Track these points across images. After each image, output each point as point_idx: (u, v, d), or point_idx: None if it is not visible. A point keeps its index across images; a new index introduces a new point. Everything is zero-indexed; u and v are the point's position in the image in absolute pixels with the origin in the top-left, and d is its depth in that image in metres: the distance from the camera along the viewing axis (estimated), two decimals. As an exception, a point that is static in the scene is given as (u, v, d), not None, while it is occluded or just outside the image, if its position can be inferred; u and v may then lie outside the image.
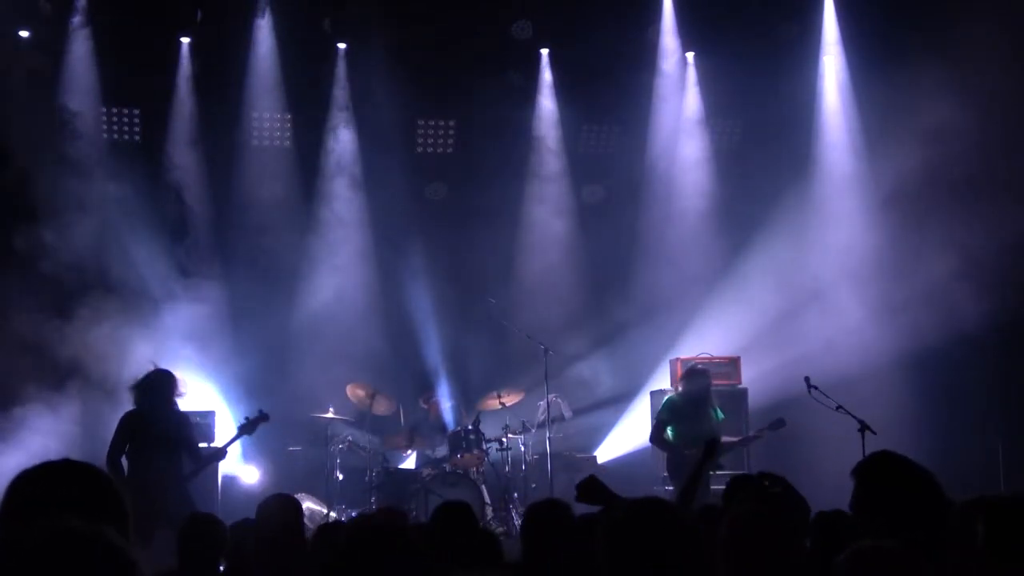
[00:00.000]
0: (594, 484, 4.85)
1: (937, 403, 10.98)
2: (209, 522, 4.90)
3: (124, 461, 7.54)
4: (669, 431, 9.15)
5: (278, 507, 5.05)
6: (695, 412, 9.09)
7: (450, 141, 12.59)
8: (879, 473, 3.09)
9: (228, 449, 8.04)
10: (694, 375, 9.31)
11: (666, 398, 9.54)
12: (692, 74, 12.49)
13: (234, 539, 5.27)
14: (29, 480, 2.09)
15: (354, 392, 10.57)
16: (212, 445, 9.77)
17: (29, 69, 10.98)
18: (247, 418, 8.01)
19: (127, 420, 7.71)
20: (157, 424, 7.59)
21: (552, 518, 4.19)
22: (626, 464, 11.56)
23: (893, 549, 2.63)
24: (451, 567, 4.00)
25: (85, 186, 10.78)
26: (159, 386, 7.80)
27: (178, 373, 8.17)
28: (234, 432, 8.10)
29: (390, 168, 12.12)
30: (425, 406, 11.13)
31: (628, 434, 11.85)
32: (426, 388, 11.38)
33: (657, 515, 2.53)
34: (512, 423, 10.69)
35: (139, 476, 7.36)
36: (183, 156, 11.60)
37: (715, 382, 10.68)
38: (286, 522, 4.94)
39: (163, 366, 8.17)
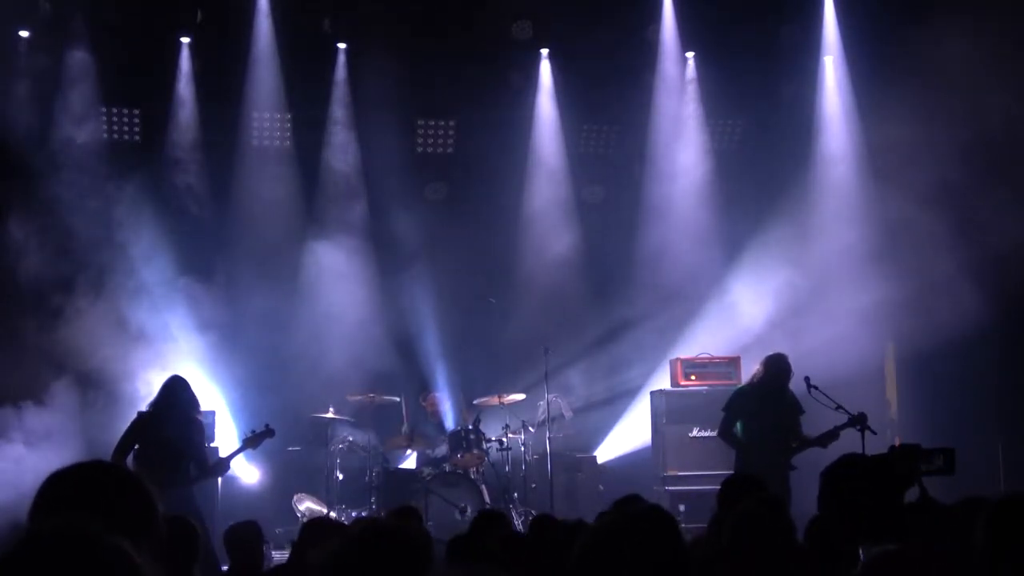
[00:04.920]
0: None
1: (937, 403, 10.98)
2: (184, 526, 4.83)
3: (131, 463, 7.55)
4: (739, 426, 8.47)
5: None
6: (769, 405, 8.39)
7: (450, 141, 12.59)
8: (843, 477, 3.10)
9: (230, 462, 8.04)
10: (772, 363, 8.50)
11: (737, 388, 8.90)
12: (692, 74, 12.49)
13: (235, 540, 5.29)
14: (60, 481, 2.11)
15: (353, 396, 10.58)
16: (212, 445, 9.79)
17: (29, 69, 11.01)
18: (253, 431, 8.01)
19: (137, 422, 7.74)
20: (165, 429, 7.60)
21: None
22: (626, 464, 11.57)
23: (912, 554, 2.63)
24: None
25: (85, 186, 10.78)
26: (174, 391, 7.82)
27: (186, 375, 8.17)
28: (238, 444, 8.10)
29: (390, 168, 12.12)
30: (424, 404, 11.14)
31: (628, 434, 11.86)
32: (425, 387, 11.39)
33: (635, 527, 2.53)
34: (512, 423, 10.70)
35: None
36: (183, 156, 11.60)
37: (715, 382, 10.73)
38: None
39: (164, 371, 8.18)
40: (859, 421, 8.03)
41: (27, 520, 2.03)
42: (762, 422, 8.41)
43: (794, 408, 8.56)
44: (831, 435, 8.22)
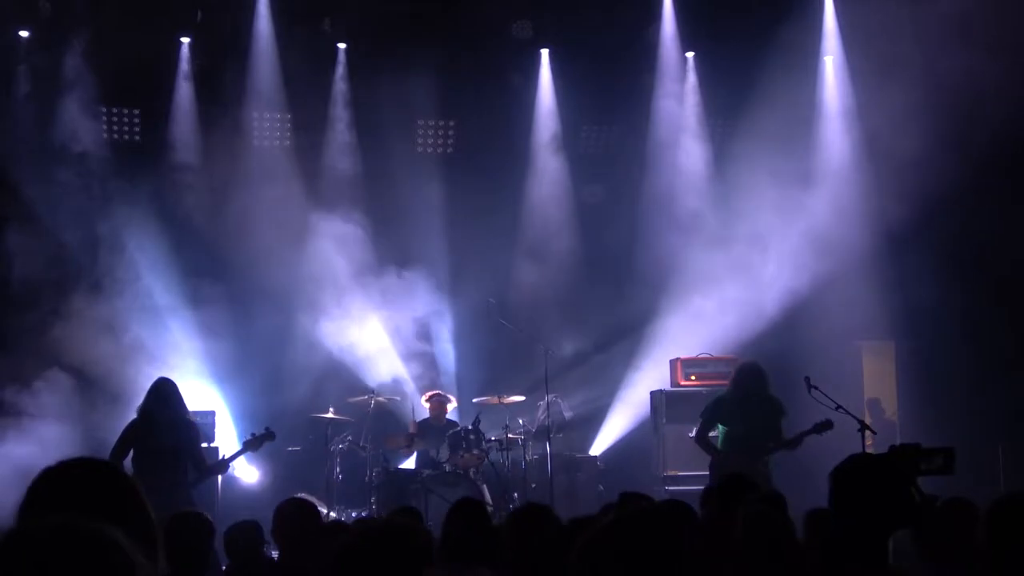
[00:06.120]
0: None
1: (937, 403, 10.98)
2: (196, 519, 4.87)
3: (129, 469, 7.53)
4: (719, 430, 8.73)
5: (295, 510, 5.11)
6: (746, 412, 8.59)
7: (450, 141, 12.59)
8: (854, 475, 3.12)
9: (231, 464, 8.02)
10: (741, 373, 8.75)
11: (716, 395, 9.08)
12: (692, 74, 12.49)
13: (233, 540, 5.29)
14: (50, 477, 2.10)
15: (354, 399, 10.57)
16: (212, 445, 9.80)
17: (29, 69, 11.02)
18: (253, 434, 8.01)
19: (130, 428, 7.73)
20: (160, 433, 7.57)
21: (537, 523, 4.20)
22: (626, 464, 11.56)
23: None
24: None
25: (85, 186, 10.78)
26: (162, 394, 7.79)
27: (179, 376, 8.16)
28: (238, 446, 8.10)
29: (390, 168, 12.12)
30: (426, 404, 11.09)
31: (620, 424, 11.86)
32: (427, 388, 11.36)
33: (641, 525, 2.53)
34: (512, 423, 10.69)
35: (141, 484, 7.32)
36: (183, 156, 11.60)
37: (715, 382, 10.72)
38: (304, 525, 5.01)
39: (165, 371, 8.17)
40: (825, 427, 8.27)
41: (16, 517, 2.03)
42: (738, 429, 8.63)
43: (774, 413, 8.71)
44: (797, 440, 8.50)
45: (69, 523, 1.59)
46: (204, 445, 8.96)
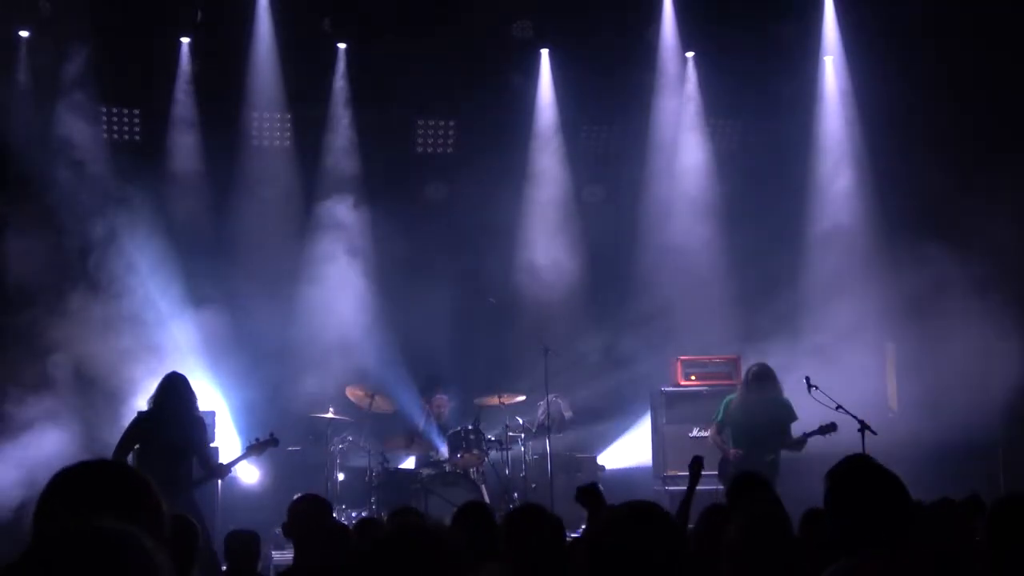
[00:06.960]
0: (593, 490, 5.12)
1: (936, 403, 10.97)
2: (183, 524, 4.90)
3: (132, 463, 7.50)
4: (727, 432, 9.00)
5: (307, 506, 5.16)
6: (753, 414, 8.79)
7: (450, 141, 12.59)
8: (850, 478, 3.13)
9: (232, 468, 7.99)
10: (751, 380, 8.93)
11: (726, 398, 9.23)
12: (692, 74, 12.49)
13: (231, 547, 5.33)
14: (66, 480, 2.10)
15: (353, 393, 10.56)
16: (212, 446, 9.78)
17: (29, 69, 11.02)
18: (257, 439, 7.98)
19: (137, 423, 7.68)
20: (167, 429, 7.52)
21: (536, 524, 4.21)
22: (626, 464, 11.57)
23: (875, 566, 2.66)
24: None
25: (85, 187, 10.79)
26: (173, 389, 7.74)
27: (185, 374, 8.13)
28: (240, 447, 8.09)
29: (390, 168, 12.11)
30: (427, 406, 11.10)
31: (627, 434, 11.85)
32: (428, 388, 11.36)
33: (641, 518, 2.53)
34: (512, 423, 10.68)
35: None
36: (183, 156, 11.60)
37: (715, 382, 10.75)
38: (318, 521, 5.05)
39: (166, 370, 8.15)
40: (828, 430, 8.41)
41: (34, 520, 2.03)
42: (744, 431, 8.81)
43: (781, 415, 8.81)
44: (801, 442, 8.65)
45: (95, 526, 1.58)
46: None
